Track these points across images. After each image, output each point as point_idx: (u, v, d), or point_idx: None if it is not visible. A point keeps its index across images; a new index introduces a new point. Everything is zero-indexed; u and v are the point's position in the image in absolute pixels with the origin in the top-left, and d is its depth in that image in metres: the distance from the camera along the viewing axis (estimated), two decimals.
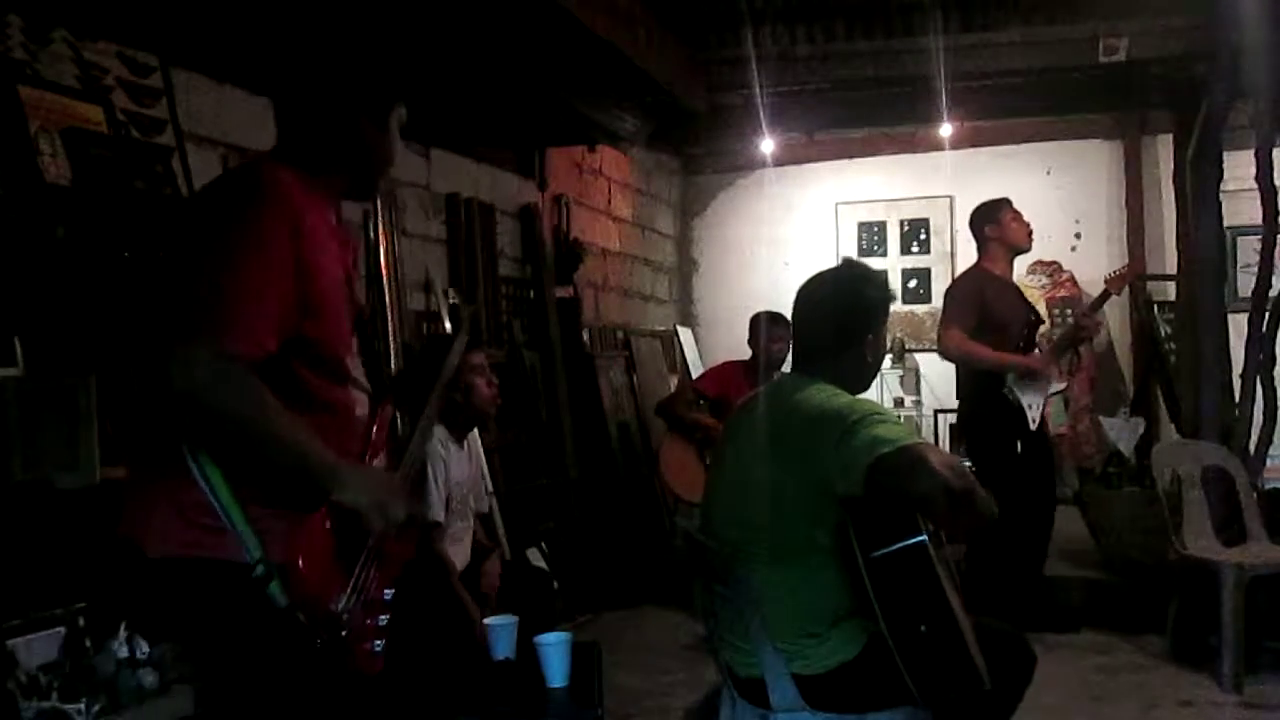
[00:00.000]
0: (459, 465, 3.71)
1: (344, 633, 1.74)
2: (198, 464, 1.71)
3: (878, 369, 2.55)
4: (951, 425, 7.25)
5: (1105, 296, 4.95)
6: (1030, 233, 4.89)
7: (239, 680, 1.78)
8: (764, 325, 5.17)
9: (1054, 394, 4.88)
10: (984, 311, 4.66)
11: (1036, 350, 4.82)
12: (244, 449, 1.71)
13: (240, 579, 1.67)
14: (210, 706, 1.99)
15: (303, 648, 1.69)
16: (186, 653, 2.44)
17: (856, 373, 2.48)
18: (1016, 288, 4.97)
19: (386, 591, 1.88)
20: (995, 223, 4.83)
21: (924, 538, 2.13)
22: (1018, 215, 4.86)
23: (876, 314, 2.51)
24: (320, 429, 1.79)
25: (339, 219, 2.00)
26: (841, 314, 2.46)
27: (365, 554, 1.83)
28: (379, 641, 1.83)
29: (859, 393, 2.46)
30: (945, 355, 4.82)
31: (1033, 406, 4.66)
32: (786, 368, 3.46)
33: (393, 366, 4.29)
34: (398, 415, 2.34)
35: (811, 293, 2.53)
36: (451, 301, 2.55)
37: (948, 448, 7.47)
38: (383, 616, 1.85)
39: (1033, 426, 4.66)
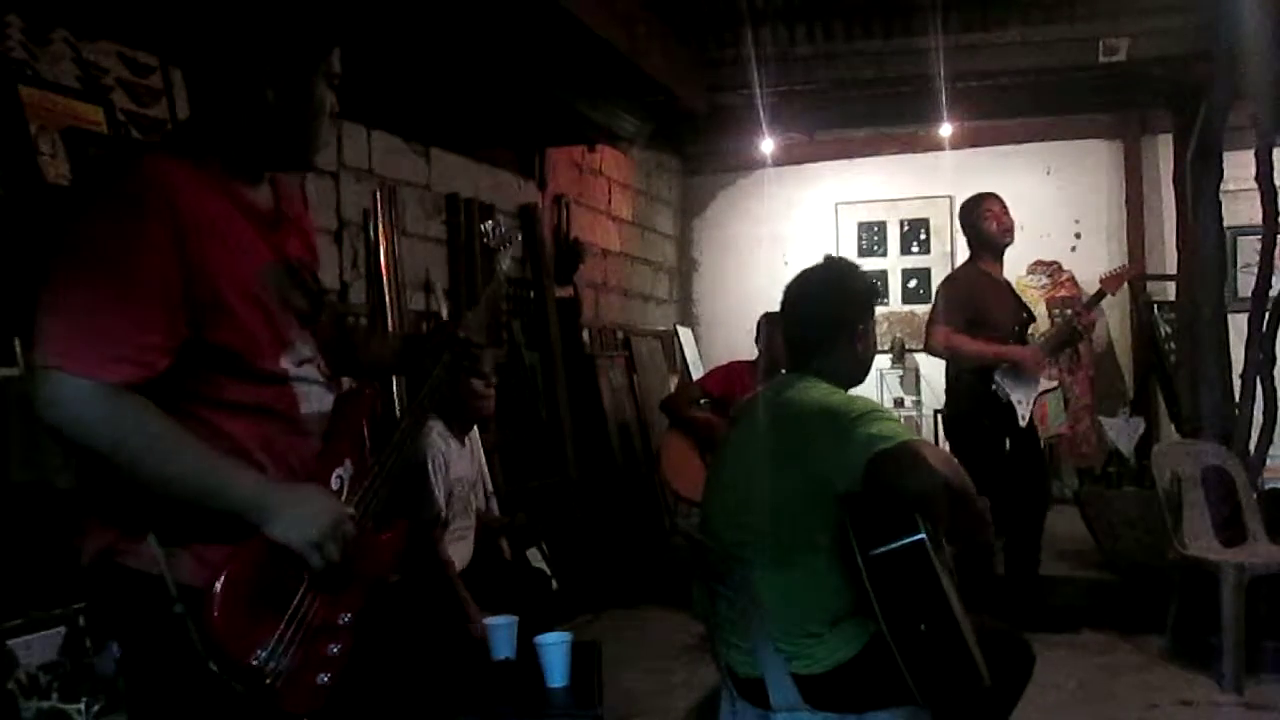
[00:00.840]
0: (460, 462, 3.72)
1: (269, 681, 1.53)
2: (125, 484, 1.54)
3: (870, 362, 2.54)
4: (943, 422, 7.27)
5: (1101, 295, 4.95)
6: (1008, 228, 4.83)
7: (164, 705, 1.62)
8: (767, 327, 5.17)
9: (1045, 391, 4.87)
10: (974, 309, 4.66)
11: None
12: (142, 484, 1.51)
13: (160, 598, 1.52)
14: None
15: (220, 694, 1.51)
16: (121, 659, 2.23)
17: (849, 367, 2.48)
18: (1008, 285, 4.96)
19: (342, 616, 1.66)
20: (978, 216, 4.83)
21: (922, 536, 2.13)
22: (995, 211, 4.81)
23: (862, 307, 2.52)
24: (262, 436, 1.62)
25: (280, 195, 1.78)
26: (828, 309, 2.48)
27: (301, 591, 1.60)
28: (325, 674, 1.61)
29: (854, 386, 2.48)
30: (930, 351, 4.82)
31: (1022, 403, 4.65)
32: None
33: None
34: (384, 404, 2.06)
35: (797, 291, 2.54)
36: (485, 239, 2.23)
37: (948, 448, 7.48)
38: (334, 646, 1.64)
39: (1022, 423, 4.66)
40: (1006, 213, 4.84)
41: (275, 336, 1.68)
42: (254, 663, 1.52)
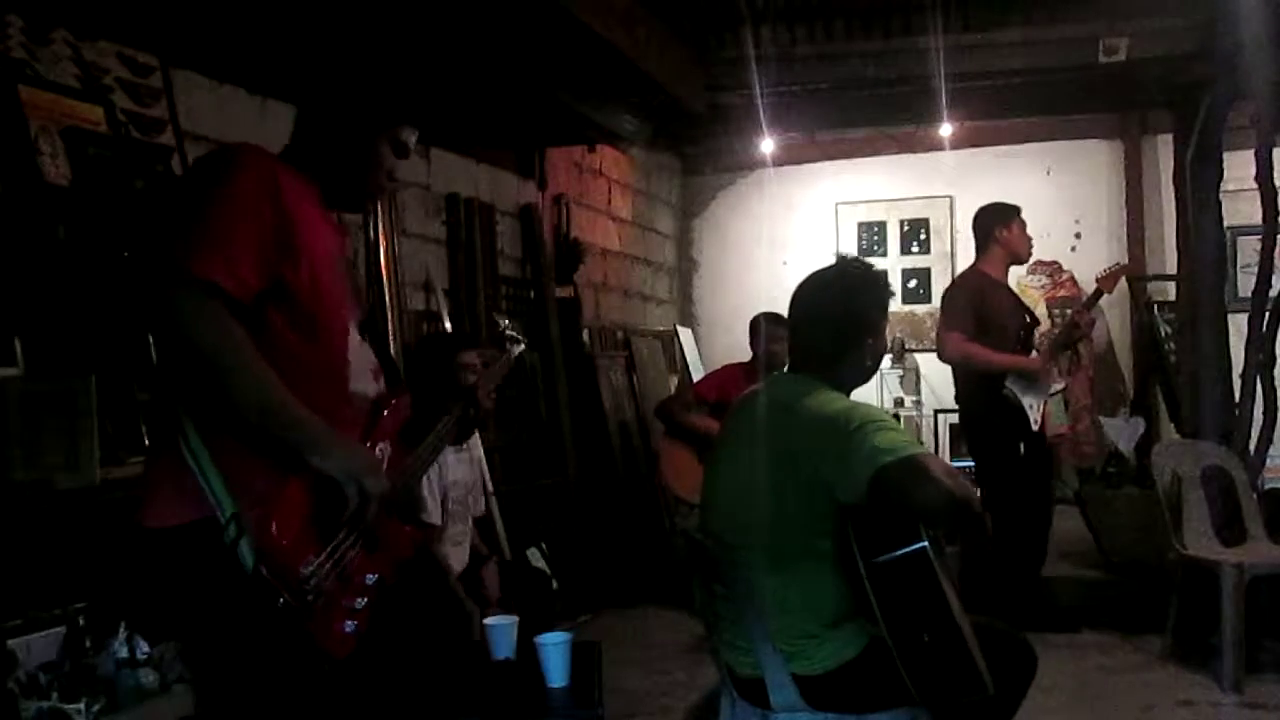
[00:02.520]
0: (456, 467, 3.71)
1: (310, 598, 1.70)
2: (184, 436, 1.72)
3: (876, 369, 2.53)
4: (952, 425, 7.27)
5: (1098, 295, 4.95)
6: (1031, 248, 4.93)
7: (203, 643, 1.81)
8: (764, 327, 5.15)
9: (1053, 394, 4.88)
10: (982, 314, 4.67)
11: (1034, 352, 4.82)
12: (218, 387, 1.70)
13: (213, 538, 1.67)
14: (189, 672, 2.02)
15: (264, 610, 1.67)
16: (167, 621, 2.47)
17: (855, 375, 2.46)
18: (1011, 290, 4.98)
19: (369, 576, 1.83)
20: (1007, 228, 4.82)
21: (925, 544, 2.11)
22: (1025, 225, 4.88)
23: (877, 317, 2.47)
24: (305, 392, 1.77)
25: (338, 217, 2.06)
26: (841, 319, 2.42)
27: (345, 524, 1.79)
28: (352, 623, 1.77)
29: (853, 390, 2.45)
30: (944, 359, 4.82)
31: (1033, 407, 4.66)
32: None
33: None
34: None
35: (810, 295, 2.48)
36: (501, 329, 2.62)
37: (949, 448, 7.49)
38: (360, 599, 1.80)
39: (1035, 427, 4.67)
40: (1026, 227, 4.90)
41: (342, 300, 1.92)
42: (302, 573, 1.67)
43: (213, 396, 1.71)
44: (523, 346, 2.65)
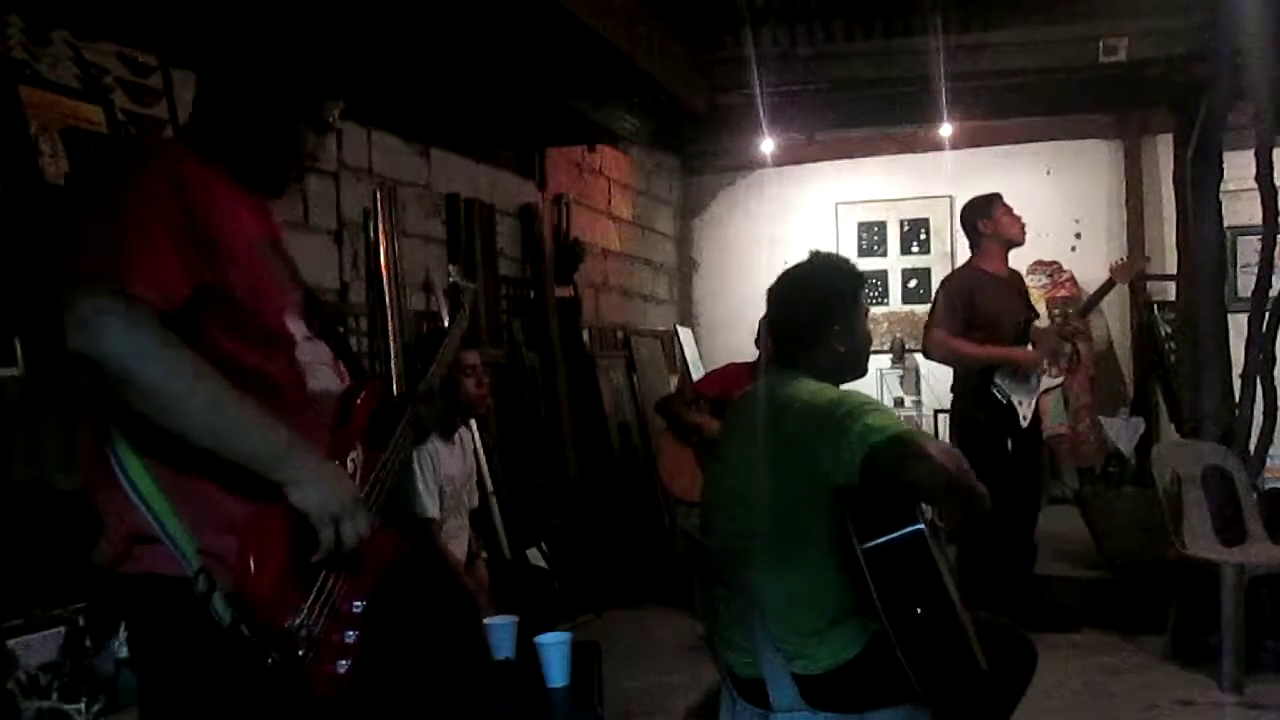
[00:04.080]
0: (450, 461, 3.71)
1: (301, 651, 1.51)
2: (117, 458, 1.51)
3: (858, 358, 2.51)
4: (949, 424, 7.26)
5: (1109, 287, 4.95)
6: (1023, 226, 4.88)
7: (180, 710, 1.60)
8: (765, 327, 5.15)
9: (1048, 390, 4.87)
10: (973, 310, 4.66)
11: (1030, 345, 4.80)
12: (166, 415, 1.47)
13: (180, 596, 1.48)
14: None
15: (251, 669, 1.48)
16: (135, 672, 2.22)
17: (833, 365, 2.45)
18: (1013, 283, 4.95)
19: (356, 604, 1.64)
20: (988, 217, 4.82)
21: (921, 526, 2.13)
22: (1009, 209, 4.85)
23: (840, 304, 2.47)
24: (275, 410, 1.58)
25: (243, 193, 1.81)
26: (806, 308, 2.46)
27: (325, 568, 1.59)
28: (344, 661, 1.58)
29: (843, 383, 2.45)
30: (928, 355, 4.83)
31: (1023, 403, 4.65)
32: None
33: (393, 367, 4.29)
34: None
35: (780, 290, 2.52)
36: (451, 279, 2.30)
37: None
38: (350, 632, 1.61)
39: (1024, 424, 4.66)
40: (1013, 210, 4.86)
41: (278, 293, 1.70)
42: (287, 626, 1.48)
43: (160, 423, 1.48)
44: (473, 287, 2.32)
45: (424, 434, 3.52)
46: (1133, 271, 5.26)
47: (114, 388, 1.47)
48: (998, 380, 4.64)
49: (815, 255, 2.59)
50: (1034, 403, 4.70)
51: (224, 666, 1.50)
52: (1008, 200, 4.92)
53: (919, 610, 2.12)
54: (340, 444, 1.74)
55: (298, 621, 1.50)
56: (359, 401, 1.80)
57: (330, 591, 1.59)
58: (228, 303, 1.59)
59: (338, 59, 1.82)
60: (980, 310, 4.66)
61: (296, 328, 1.73)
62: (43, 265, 1.71)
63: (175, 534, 1.50)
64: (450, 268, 2.32)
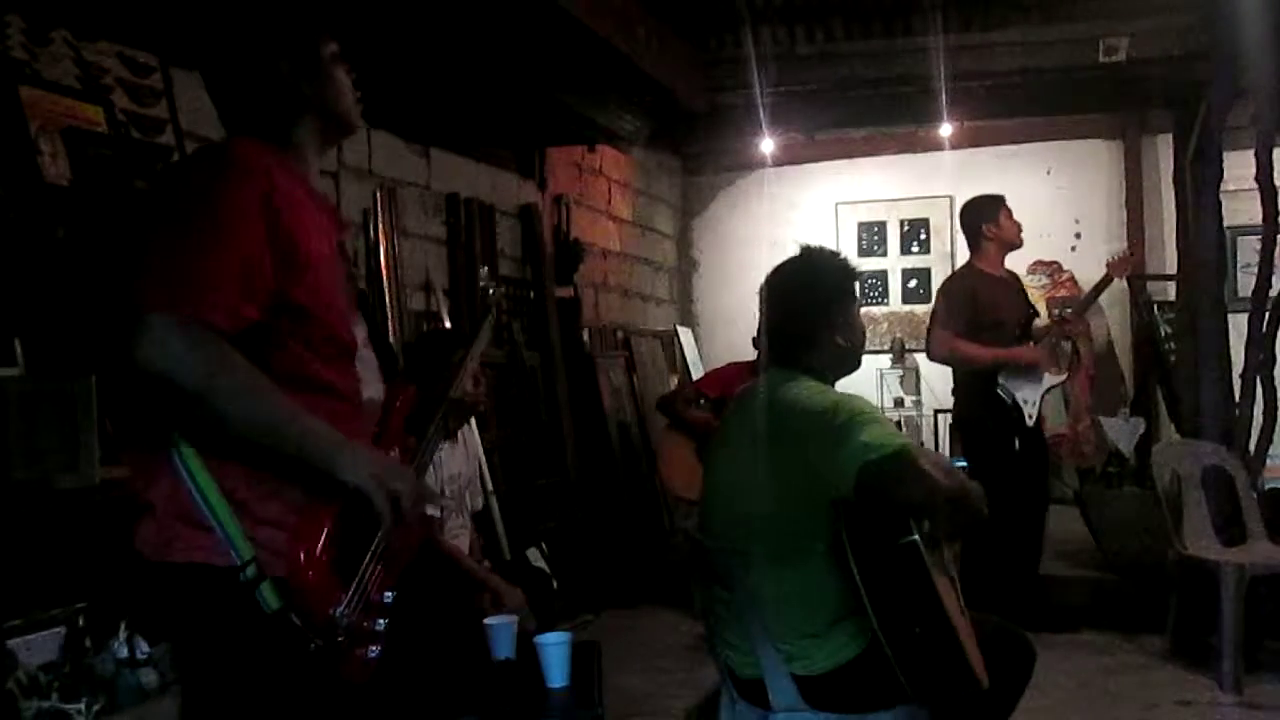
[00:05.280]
0: (452, 461, 3.71)
1: (342, 638, 1.61)
2: (179, 455, 1.60)
3: (854, 353, 2.49)
4: (951, 425, 7.26)
5: (1106, 282, 4.95)
6: (1020, 229, 4.90)
7: (223, 693, 1.67)
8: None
9: (1051, 388, 4.87)
10: (976, 311, 4.66)
11: (1031, 344, 4.81)
12: (227, 426, 1.57)
13: (227, 584, 1.57)
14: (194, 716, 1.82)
15: (293, 654, 1.57)
16: (176, 661, 2.35)
17: (830, 360, 2.43)
18: (1011, 282, 4.96)
19: (386, 594, 1.73)
20: (994, 222, 4.82)
21: (915, 538, 2.12)
22: (1010, 212, 4.87)
23: (833, 298, 2.45)
24: (326, 415, 1.66)
25: (317, 193, 1.88)
26: (799, 303, 2.43)
27: (372, 549, 1.70)
28: (375, 647, 1.68)
29: (840, 378, 2.44)
30: (932, 357, 4.83)
31: (1028, 402, 4.66)
32: None
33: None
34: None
35: (771, 284, 2.49)
36: (481, 283, 2.32)
37: (947, 448, 7.47)
38: (380, 620, 1.71)
39: (1029, 422, 4.66)
40: (1012, 214, 4.87)
41: (345, 300, 1.78)
42: (332, 613, 1.58)
43: (213, 424, 1.58)
44: (501, 290, 2.38)
45: (450, 434, 3.56)
46: (1129, 266, 5.26)
47: (185, 402, 1.56)
48: (1002, 380, 4.64)
49: (807, 249, 2.53)
50: (1039, 401, 4.70)
51: (268, 651, 1.59)
52: (1008, 200, 4.92)
53: (913, 624, 2.12)
54: (382, 443, 1.84)
55: (340, 610, 1.60)
56: (397, 405, 1.90)
57: (368, 580, 1.69)
58: (304, 315, 1.67)
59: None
60: (983, 310, 4.67)
61: (358, 333, 1.81)
62: (116, 278, 1.74)
63: (228, 525, 1.59)
64: (481, 271, 2.35)
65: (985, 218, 4.84)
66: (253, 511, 1.61)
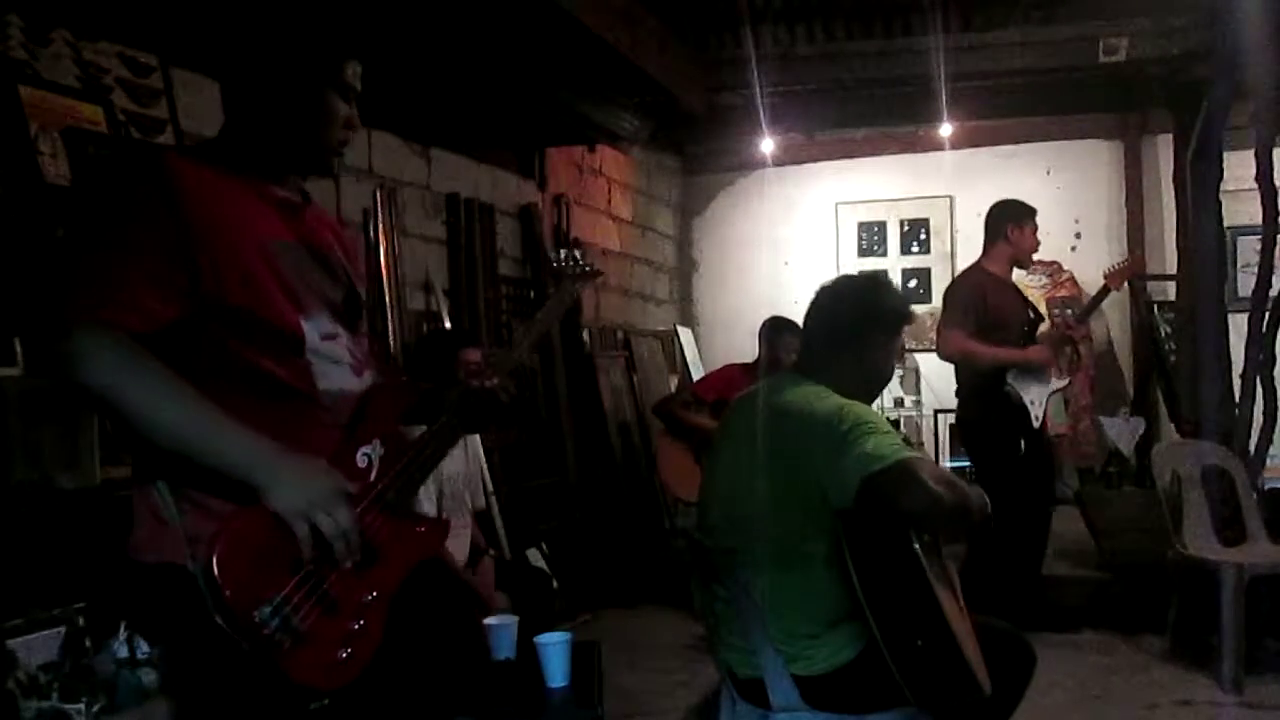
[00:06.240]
0: (452, 460, 3.70)
1: (277, 638, 1.54)
2: (146, 468, 1.63)
3: (879, 382, 2.53)
4: (951, 425, 7.26)
5: (1104, 293, 4.95)
6: (1037, 248, 4.91)
7: (191, 693, 1.71)
8: (767, 330, 5.13)
9: (1055, 391, 4.87)
10: (985, 312, 4.66)
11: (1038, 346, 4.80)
12: (133, 425, 1.56)
13: (184, 580, 1.56)
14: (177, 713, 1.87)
15: (232, 655, 1.55)
16: (161, 658, 2.37)
17: (851, 380, 2.42)
18: (1015, 287, 4.97)
19: (367, 595, 1.67)
20: (1019, 228, 4.80)
21: (916, 547, 2.13)
22: (1037, 228, 4.86)
23: (884, 325, 2.48)
24: (272, 412, 1.65)
25: (305, 197, 1.87)
26: (845, 317, 2.45)
27: (307, 558, 1.61)
28: (346, 649, 1.62)
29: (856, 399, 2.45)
30: (944, 357, 4.82)
31: (1035, 403, 4.65)
32: None
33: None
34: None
35: (822, 298, 2.52)
36: (555, 264, 2.22)
37: (948, 448, 7.48)
38: (357, 622, 1.64)
39: (1035, 424, 4.66)
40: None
41: (292, 300, 1.72)
42: (255, 618, 1.53)
43: (136, 434, 1.58)
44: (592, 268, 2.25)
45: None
46: (1127, 276, 5.25)
47: (98, 411, 1.58)
48: (1010, 381, 4.64)
49: (871, 274, 2.65)
50: (1045, 402, 4.70)
51: (211, 649, 1.56)
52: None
53: (915, 636, 2.12)
54: (354, 439, 1.77)
55: (267, 610, 1.54)
56: (382, 398, 1.83)
57: (321, 583, 1.62)
58: (230, 309, 1.64)
59: (346, 21, 1.87)
60: (992, 312, 4.66)
61: (313, 328, 1.75)
62: (37, 294, 1.77)
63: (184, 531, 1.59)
64: (560, 252, 2.29)
65: (1014, 219, 4.82)
66: (193, 513, 1.61)
